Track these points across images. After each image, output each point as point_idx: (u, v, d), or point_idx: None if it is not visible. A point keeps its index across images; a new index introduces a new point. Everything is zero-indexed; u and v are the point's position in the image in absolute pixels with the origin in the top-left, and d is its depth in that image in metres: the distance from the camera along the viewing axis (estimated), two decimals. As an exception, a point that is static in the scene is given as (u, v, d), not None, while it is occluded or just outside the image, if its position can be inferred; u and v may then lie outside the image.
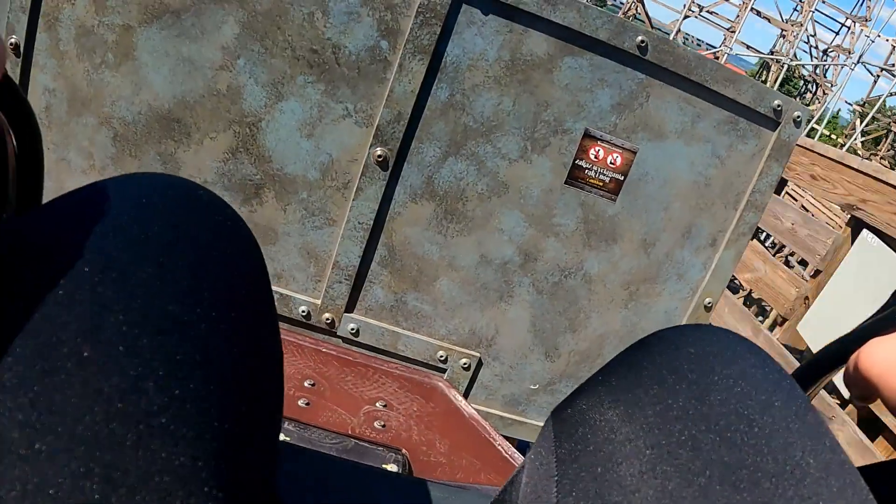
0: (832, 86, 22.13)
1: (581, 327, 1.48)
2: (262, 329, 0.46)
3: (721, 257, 1.46)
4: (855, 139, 20.63)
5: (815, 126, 20.64)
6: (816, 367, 0.58)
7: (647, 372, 0.51)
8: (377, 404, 1.32)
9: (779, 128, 1.39)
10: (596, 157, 1.35)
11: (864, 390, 0.50)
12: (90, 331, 0.33)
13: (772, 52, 23.12)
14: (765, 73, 24.16)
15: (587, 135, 1.34)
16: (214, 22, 1.26)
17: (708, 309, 1.49)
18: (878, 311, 0.55)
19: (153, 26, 1.27)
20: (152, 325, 0.36)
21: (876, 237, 2.63)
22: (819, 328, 2.80)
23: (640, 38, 1.29)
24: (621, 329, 1.49)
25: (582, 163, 1.35)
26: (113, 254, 0.38)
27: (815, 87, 23.20)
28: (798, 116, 1.38)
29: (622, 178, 1.37)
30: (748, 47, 23.33)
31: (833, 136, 25.49)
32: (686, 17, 20.44)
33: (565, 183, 1.37)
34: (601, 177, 1.36)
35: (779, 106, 1.37)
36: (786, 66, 21.06)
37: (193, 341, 0.38)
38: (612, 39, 1.29)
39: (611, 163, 1.36)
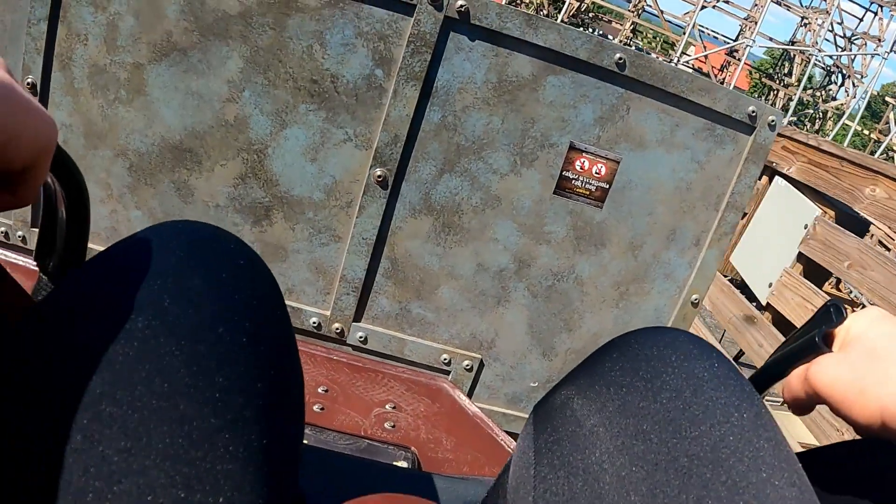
0: (861, 77, 20.70)
1: (576, 327, 1.56)
2: (289, 356, 0.56)
3: (705, 256, 1.54)
4: (892, 137, 19.42)
5: (848, 122, 19.68)
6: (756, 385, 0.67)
7: (612, 372, 0.60)
8: (387, 406, 1.40)
9: (754, 132, 1.46)
10: (582, 168, 1.44)
11: (806, 403, 0.59)
12: (159, 371, 0.43)
13: (793, 43, 21.98)
14: (787, 64, 22.88)
15: (572, 147, 1.42)
16: (219, 57, 1.34)
17: (695, 305, 1.58)
18: (793, 338, 0.64)
19: (162, 63, 1.35)
20: (206, 364, 0.46)
21: (785, 181, 3.25)
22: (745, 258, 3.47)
23: (617, 55, 1.37)
24: (614, 327, 1.57)
25: (569, 174, 1.44)
26: (164, 306, 0.47)
27: (841, 77, 21.74)
28: (772, 120, 1.46)
29: (607, 187, 1.45)
30: (770, 39, 22.13)
31: (866, 132, 23.84)
32: (703, 7, 19.32)
33: (554, 193, 1.45)
34: (587, 186, 1.45)
35: (753, 112, 1.44)
36: (812, 57, 19.76)
37: (240, 373, 0.48)
38: (592, 58, 1.36)
39: (596, 172, 1.44)
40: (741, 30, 22.28)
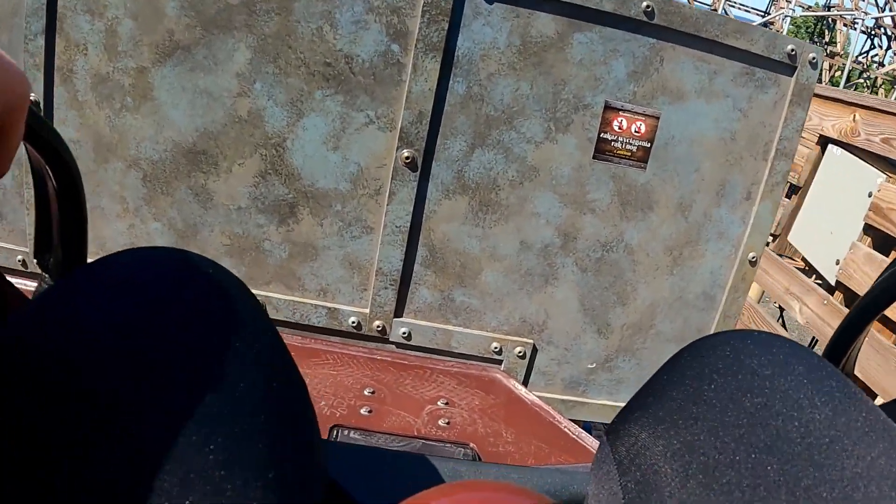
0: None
1: (630, 300, 1.48)
2: (287, 366, 0.55)
3: (758, 210, 1.46)
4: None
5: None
6: (849, 329, 0.59)
7: (688, 395, 0.54)
8: (439, 403, 1.33)
9: (796, 72, 1.39)
10: (620, 128, 1.36)
11: None
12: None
13: (828, 8, 20.66)
14: (826, 32, 21.42)
15: (608, 107, 1.35)
16: (226, 51, 1.29)
17: (753, 263, 1.49)
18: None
19: (166, 64, 1.30)
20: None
21: (840, 149, 3.02)
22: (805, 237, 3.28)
23: (644, 3, 1.30)
24: (670, 295, 1.49)
25: (607, 135, 1.36)
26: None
27: (886, 40, 20.27)
28: (814, 58, 1.39)
29: (649, 145, 1.37)
30: (808, 8, 20.64)
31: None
32: None
33: (593, 158, 1.38)
34: (628, 147, 1.37)
35: (793, 50, 1.37)
36: (861, 22, 18.57)
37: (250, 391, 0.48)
38: (618, 9, 1.30)
39: (635, 131, 1.36)
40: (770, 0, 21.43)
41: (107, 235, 1.40)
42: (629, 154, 1.38)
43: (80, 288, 0.46)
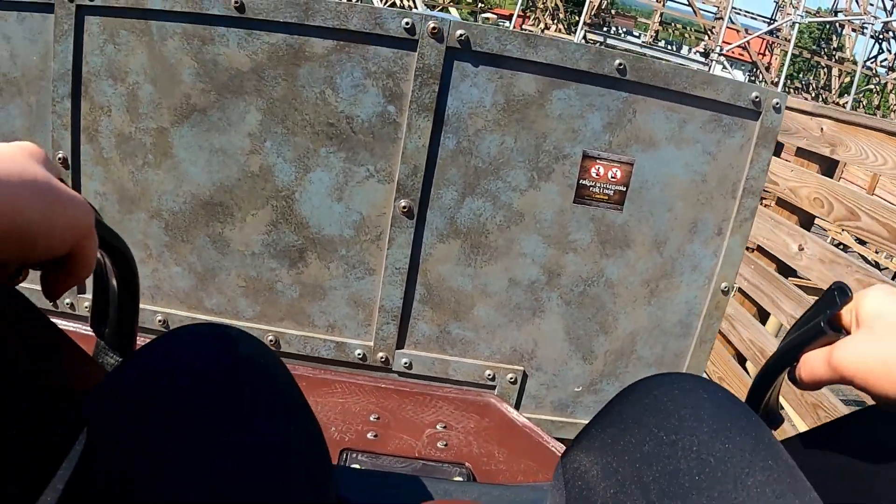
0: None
1: (611, 329, 1.60)
2: (306, 414, 0.70)
3: (729, 244, 1.56)
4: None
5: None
6: (765, 378, 0.72)
7: (626, 428, 0.68)
8: (437, 426, 1.44)
9: (761, 117, 1.48)
10: (597, 175, 1.47)
11: (827, 383, 0.63)
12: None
13: (835, 13, 20.32)
14: (835, 38, 20.84)
15: (586, 156, 1.46)
16: (238, 113, 1.41)
17: (725, 293, 1.60)
18: (800, 323, 0.67)
19: (184, 125, 1.42)
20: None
21: None
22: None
23: (617, 61, 1.40)
24: (649, 324, 1.60)
25: (586, 182, 1.48)
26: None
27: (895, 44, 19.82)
28: (777, 103, 1.48)
29: (625, 189, 1.49)
30: (817, 12, 20.24)
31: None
32: None
33: (574, 202, 1.49)
34: (605, 191, 1.49)
35: (757, 97, 1.46)
36: (870, 26, 18.15)
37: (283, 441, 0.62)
38: (593, 67, 1.40)
39: (612, 177, 1.48)
40: (777, 5, 20.93)
41: None
42: (607, 198, 1.49)
43: (153, 367, 0.59)
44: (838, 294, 0.62)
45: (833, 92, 20.96)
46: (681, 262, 1.57)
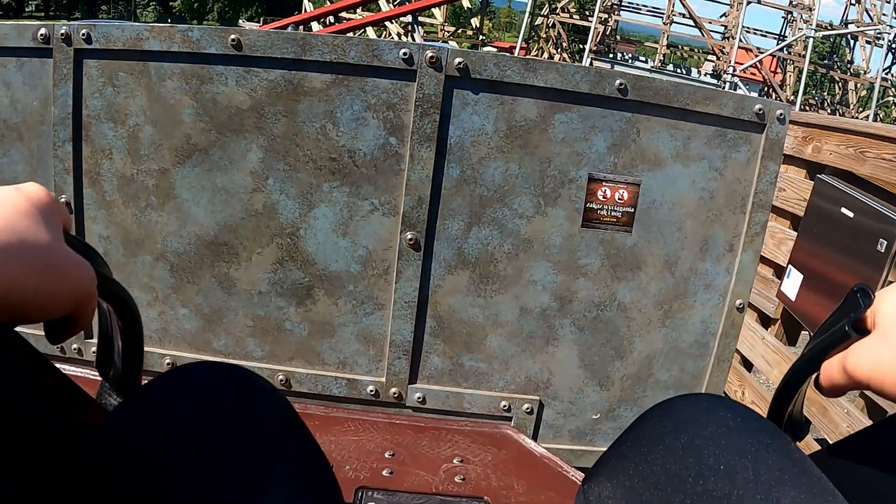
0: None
1: (627, 353, 1.57)
2: (315, 452, 0.69)
3: (741, 260, 1.54)
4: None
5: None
6: (788, 387, 0.69)
7: (649, 451, 0.66)
8: (454, 461, 1.41)
9: (765, 129, 1.47)
10: (604, 197, 1.46)
11: (846, 389, 0.61)
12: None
13: (846, 24, 19.64)
14: (848, 51, 20.32)
15: (591, 178, 1.45)
16: (240, 151, 1.41)
17: (740, 310, 1.58)
18: (824, 328, 0.65)
19: (186, 166, 1.41)
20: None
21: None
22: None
23: (618, 81, 1.40)
24: (665, 346, 1.58)
25: (593, 205, 1.46)
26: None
27: None
28: (781, 114, 1.47)
29: (633, 210, 1.47)
30: (831, 26, 19.35)
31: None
32: (749, 2, 17.75)
33: (582, 226, 1.47)
34: (613, 213, 1.47)
35: (760, 109, 1.45)
36: (887, 37, 17.51)
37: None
38: (594, 89, 1.40)
39: (619, 199, 1.46)
40: (786, 20, 20.41)
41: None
42: (615, 220, 1.48)
43: (152, 405, 0.58)
44: (861, 296, 0.61)
45: (851, 107, 20.44)
46: (693, 281, 1.54)
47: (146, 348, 1.52)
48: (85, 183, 1.45)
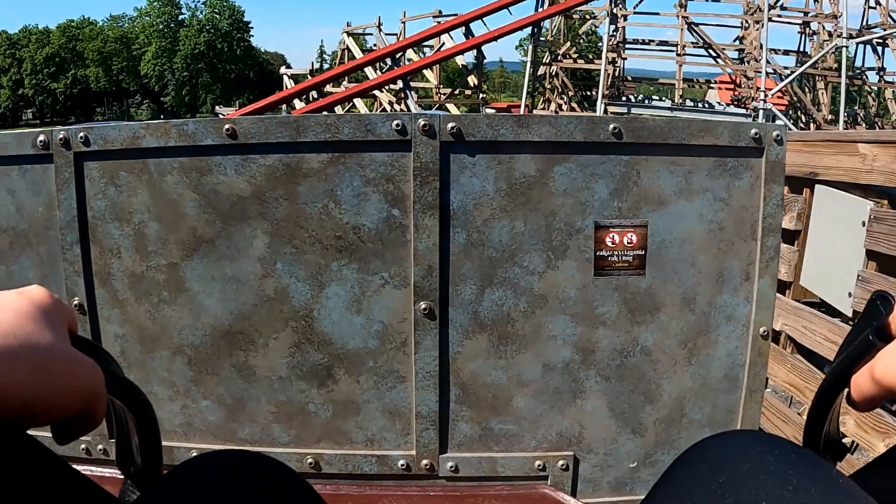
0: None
1: (656, 397, 1.54)
2: None
3: (759, 287, 1.52)
4: None
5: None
6: (819, 407, 0.68)
7: (688, 494, 0.65)
8: None
9: (764, 152, 1.46)
10: (613, 243, 1.45)
11: (879, 400, 0.60)
12: None
13: (870, 28, 18.53)
14: (878, 58, 18.77)
15: (598, 226, 1.44)
16: (245, 239, 1.41)
17: (765, 337, 1.55)
18: (849, 340, 0.64)
19: (194, 258, 1.42)
20: None
21: (826, 186, 3.12)
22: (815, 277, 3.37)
23: (611, 126, 1.40)
24: (694, 384, 1.55)
25: (603, 252, 1.45)
26: None
27: None
28: (778, 135, 1.45)
29: (643, 253, 1.46)
30: (859, 33, 18.16)
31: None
32: (770, 19, 17.06)
33: (594, 275, 1.46)
34: (624, 258, 1.46)
35: (756, 134, 1.45)
36: None
37: None
38: (589, 137, 1.40)
39: (628, 243, 1.45)
40: (804, 35, 19.43)
41: (163, 418, 1.49)
42: (626, 265, 1.46)
43: (169, 497, 0.59)
44: (881, 303, 0.60)
45: (894, 115, 19.17)
46: (714, 315, 1.52)
47: (171, 443, 1.51)
48: (96, 284, 1.45)
